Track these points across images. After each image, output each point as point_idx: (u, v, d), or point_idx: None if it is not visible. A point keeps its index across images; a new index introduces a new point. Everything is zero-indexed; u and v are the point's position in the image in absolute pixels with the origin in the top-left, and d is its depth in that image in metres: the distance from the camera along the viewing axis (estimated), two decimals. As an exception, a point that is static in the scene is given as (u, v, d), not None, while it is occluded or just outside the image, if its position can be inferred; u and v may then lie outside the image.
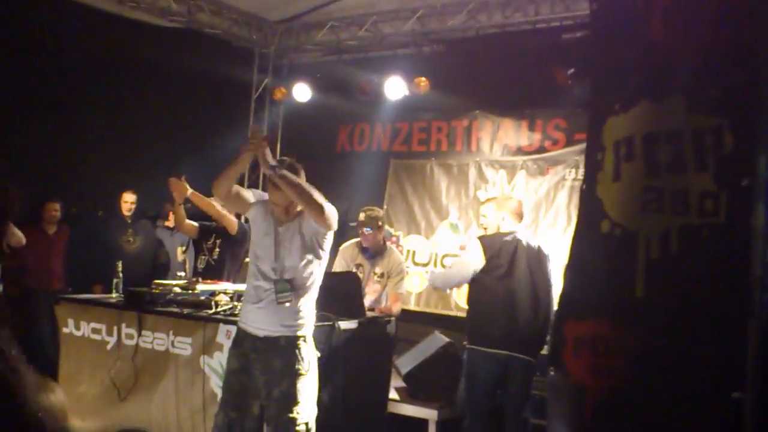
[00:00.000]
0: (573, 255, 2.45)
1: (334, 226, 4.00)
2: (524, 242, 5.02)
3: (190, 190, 5.64)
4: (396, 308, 5.66)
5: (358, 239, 5.95)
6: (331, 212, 3.94)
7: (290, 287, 3.94)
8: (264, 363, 3.97)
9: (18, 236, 6.77)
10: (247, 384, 4.03)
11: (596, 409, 2.28)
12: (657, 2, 2.30)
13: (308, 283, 4.02)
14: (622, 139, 2.34)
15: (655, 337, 2.21)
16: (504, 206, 5.18)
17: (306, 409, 3.95)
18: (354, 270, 5.81)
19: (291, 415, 3.90)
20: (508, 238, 5.01)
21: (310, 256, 4.01)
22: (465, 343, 5.18)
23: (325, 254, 4.10)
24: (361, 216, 5.86)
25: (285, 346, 3.95)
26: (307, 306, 4.04)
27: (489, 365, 4.91)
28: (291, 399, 3.91)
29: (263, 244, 4.07)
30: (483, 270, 4.96)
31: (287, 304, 3.93)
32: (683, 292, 2.19)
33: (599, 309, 2.30)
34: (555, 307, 4.93)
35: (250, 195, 4.23)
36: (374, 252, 5.85)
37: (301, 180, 3.95)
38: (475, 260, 5.00)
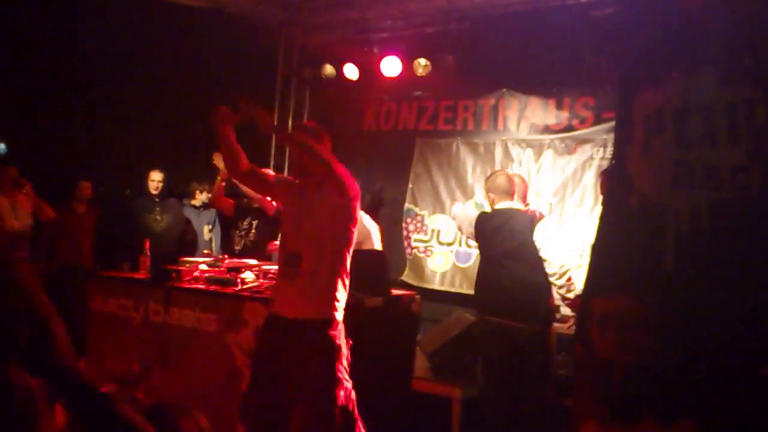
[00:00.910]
0: (601, 230, 2.42)
1: (357, 196, 3.83)
2: (521, 213, 5.03)
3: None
4: None
5: None
6: (350, 183, 3.77)
7: (298, 261, 3.77)
8: (294, 346, 3.80)
9: (48, 212, 6.85)
10: (278, 367, 3.85)
11: (624, 385, 2.25)
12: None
13: (328, 260, 3.82)
14: (653, 112, 2.30)
15: (685, 312, 2.18)
16: (493, 185, 5.20)
17: (340, 394, 3.76)
18: None
19: (324, 401, 3.73)
20: (503, 213, 5.07)
21: (330, 231, 3.83)
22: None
23: (354, 226, 3.90)
24: None
25: (312, 328, 3.79)
26: (336, 285, 3.84)
27: (498, 338, 4.91)
28: (323, 383, 3.75)
29: (288, 218, 3.98)
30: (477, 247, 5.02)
31: (296, 279, 3.77)
32: (713, 267, 2.16)
33: (627, 284, 2.27)
34: (546, 269, 4.92)
35: (269, 174, 4.12)
36: None
37: (315, 144, 3.76)
38: (471, 219, 5.15)
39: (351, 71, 8.19)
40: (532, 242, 4.96)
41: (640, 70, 2.44)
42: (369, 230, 5.80)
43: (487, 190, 5.21)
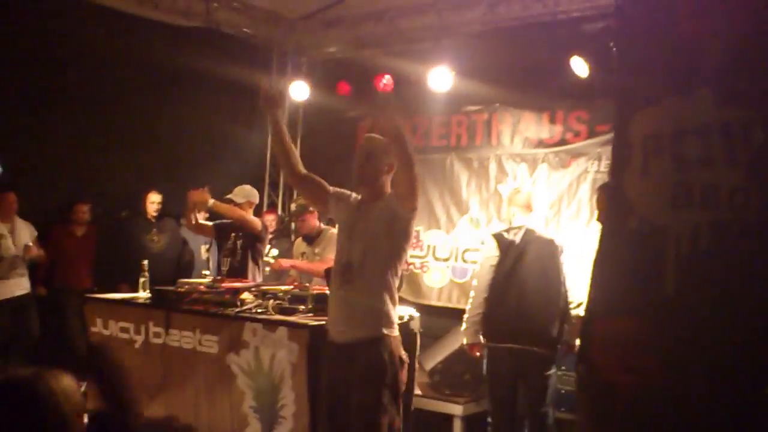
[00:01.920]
0: (601, 251, 2.44)
1: (414, 214, 3.72)
2: (536, 234, 5.03)
3: (211, 201, 5.68)
4: (310, 265, 5.80)
5: None
6: (415, 193, 3.67)
7: (348, 273, 3.69)
8: (342, 370, 3.72)
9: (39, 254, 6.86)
10: (335, 395, 3.79)
11: (626, 407, 2.27)
12: (684, -5, 2.29)
13: (380, 275, 3.69)
14: (650, 134, 2.33)
15: (686, 334, 2.19)
16: (513, 200, 5.21)
17: (385, 420, 3.65)
18: (301, 259, 5.97)
19: (369, 427, 3.63)
20: (517, 232, 5.01)
21: (385, 243, 3.71)
22: (482, 339, 5.19)
23: (407, 243, 3.82)
24: (293, 206, 6.11)
25: (358, 349, 3.68)
26: (384, 302, 3.71)
27: (504, 360, 4.92)
28: (369, 408, 3.63)
29: (341, 229, 3.87)
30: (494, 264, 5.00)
31: (345, 293, 3.68)
32: (714, 288, 2.18)
33: (629, 306, 2.29)
34: (569, 299, 4.94)
35: (325, 184, 3.96)
36: (312, 236, 5.99)
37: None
38: (492, 256, 5.03)
39: (344, 88, 8.23)
40: (552, 268, 4.97)
41: (636, 91, 2.48)
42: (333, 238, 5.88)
43: (509, 204, 5.26)
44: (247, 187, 6.37)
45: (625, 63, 2.60)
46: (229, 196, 5.97)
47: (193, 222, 6.02)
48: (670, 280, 2.25)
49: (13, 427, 1.76)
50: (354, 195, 3.95)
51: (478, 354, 5.11)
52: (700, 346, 2.16)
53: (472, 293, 5.17)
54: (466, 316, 5.18)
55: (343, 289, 3.71)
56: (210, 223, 6.17)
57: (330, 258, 5.64)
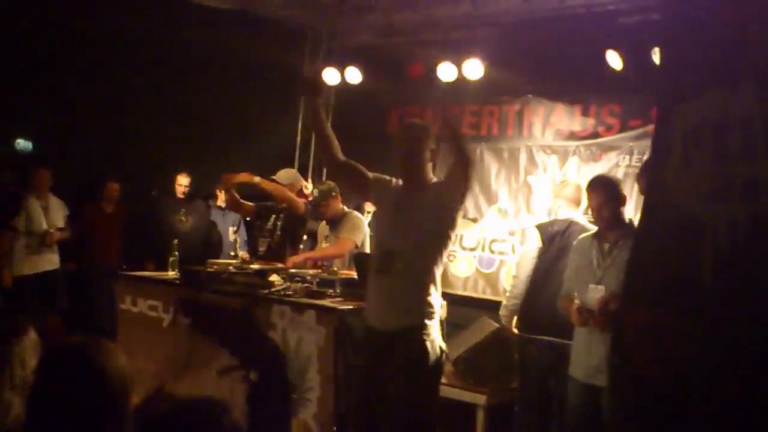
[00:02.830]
0: (638, 242, 2.44)
1: (461, 204, 3.68)
2: (580, 227, 4.96)
3: (257, 178, 5.70)
4: (322, 252, 5.74)
5: None
6: (468, 185, 3.63)
7: (390, 259, 3.62)
8: (380, 358, 3.70)
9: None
10: (370, 382, 3.77)
11: (659, 397, 2.27)
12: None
13: (424, 262, 3.66)
14: (692, 126, 2.31)
15: (721, 325, 2.18)
16: (560, 193, 5.15)
17: (426, 407, 3.67)
18: (324, 244, 5.95)
19: (406, 418, 3.61)
20: (562, 224, 4.96)
21: (430, 231, 3.67)
22: (515, 329, 5.18)
23: (452, 231, 3.76)
24: (315, 192, 6.07)
25: (399, 337, 3.64)
26: (427, 291, 3.67)
27: (541, 353, 4.87)
28: (412, 396, 3.62)
29: (383, 216, 3.83)
30: (536, 257, 4.94)
31: (386, 280, 3.63)
32: (750, 281, 2.17)
33: (664, 296, 2.28)
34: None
35: (365, 170, 3.91)
36: (336, 220, 5.93)
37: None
38: (533, 249, 4.98)
39: (376, 75, 8.22)
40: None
41: (679, 83, 2.46)
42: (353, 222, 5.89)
43: (555, 196, 5.22)
44: (292, 170, 6.44)
45: (668, 55, 2.57)
46: (273, 177, 5.98)
47: (235, 200, 6.06)
48: (706, 271, 2.23)
49: (64, 392, 1.79)
50: (395, 180, 3.89)
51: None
52: (735, 339, 2.15)
53: (511, 283, 5.14)
54: (504, 303, 5.15)
55: (386, 277, 3.65)
56: (252, 204, 6.19)
57: (344, 239, 5.66)
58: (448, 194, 3.64)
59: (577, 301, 4.17)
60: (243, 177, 5.73)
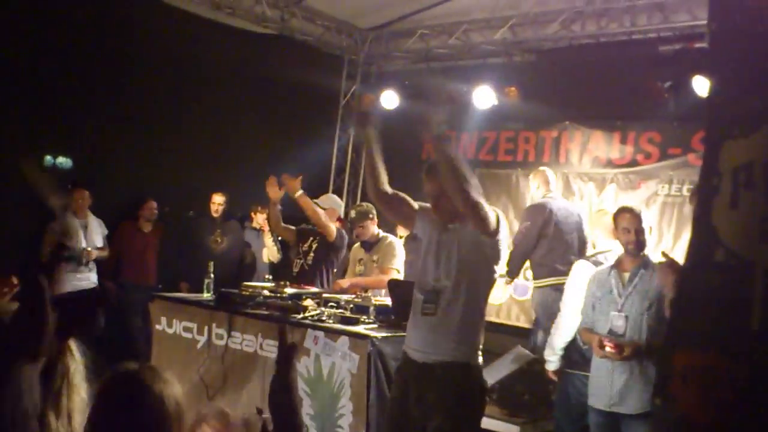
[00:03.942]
0: (683, 283, 2.38)
1: (500, 232, 3.52)
2: None
3: (300, 191, 5.73)
4: (369, 280, 5.61)
5: None
6: (491, 214, 3.47)
7: (436, 299, 3.52)
8: (419, 392, 3.56)
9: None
10: (405, 414, 3.64)
11: (704, 443, 2.21)
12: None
13: (468, 299, 3.55)
14: (741, 165, 2.26)
15: (770, 371, 2.12)
16: (598, 222, 5.03)
17: None
18: (358, 267, 5.88)
19: None
20: (606, 255, 4.79)
21: (475, 269, 3.56)
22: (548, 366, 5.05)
23: (494, 268, 3.63)
24: (352, 213, 6.00)
25: (442, 373, 3.52)
26: (470, 327, 3.57)
27: (580, 388, 4.75)
28: None
29: (425, 252, 3.72)
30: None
31: (431, 318, 3.53)
32: (802, 327, 2.10)
33: (711, 339, 2.23)
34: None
35: (411, 201, 3.83)
36: (371, 243, 5.87)
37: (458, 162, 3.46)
38: (581, 284, 4.83)
39: (412, 100, 8.23)
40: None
41: (728, 119, 2.41)
42: (390, 248, 5.84)
43: (593, 226, 5.13)
44: (334, 196, 6.47)
45: (717, 90, 2.52)
46: (315, 201, 6.00)
47: (278, 221, 6.08)
48: (756, 315, 2.17)
49: (123, 418, 1.81)
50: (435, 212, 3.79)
51: (556, 379, 4.98)
52: (786, 387, 2.09)
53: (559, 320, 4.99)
54: (551, 341, 5.01)
55: (431, 314, 3.56)
56: (293, 227, 6.23)
57: (388, 268, 5.64)
58: (469, 226, 3.54)
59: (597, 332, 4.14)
60: (295, 183, 5.74)
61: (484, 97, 7.70)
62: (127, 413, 1.85)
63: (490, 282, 3.67)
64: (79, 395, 2.25)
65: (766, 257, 2.17)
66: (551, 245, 6.34)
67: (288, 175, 5.82)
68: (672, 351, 2.33)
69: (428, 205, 3.77)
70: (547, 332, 5.28)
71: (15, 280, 2.42)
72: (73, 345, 2.31)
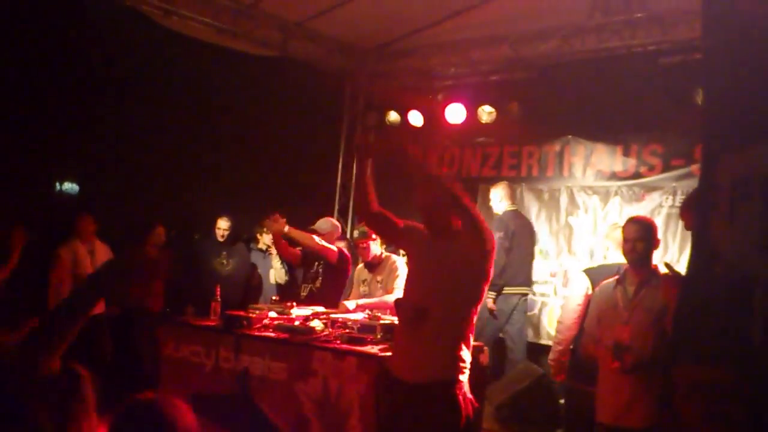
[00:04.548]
0: (685, 297, 2.39)
1: (494, 250, 3.57)
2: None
3: (286, 227, 5.79)
4: (374, 303, 5.58)
5: None
6: (489, 237, 3.54)
7: (424, 316, 3.54)
8: (412, 412, 3.57)
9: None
10: (392, 427, 3.67)
11: (710, 457, 2.20)
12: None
13: (454, 317, 3.58)
14: (739, 179, 2.28)
15: (773, 384, 2.12)
16: (610, 235, 5.06)
17: None
18: (362, 288, 5.91)
19: None
20: (611, 269, 4.83)
21: (462, 286, 3.58)
22: (553, 372, 5.07)
23: (482, 287, 3.65)
24: (355, 233, 6.09)
25: (434, 392, 3.54)
26: (461, 344, 3.59)
27: (586, 402, 4.73)
28: None
29: (414, 269, 3.76)
30: (582, 303, 4.84)
31: (418, 335, 3.55)
32: (804, 339, 2.11)
33: (714, 354, 2.23)
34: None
35: (397, 220, 3.87)
36: (375, 263, 5.90)
37: (459, 191, 3.55)
38: (580, 295, 4.89)
39: (415, 118, 8.28)
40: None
41: (724, 134, 2.43)
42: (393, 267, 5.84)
43: (606, 237, 5.17)
44: (331, 219, 6.53)
45: (713, 104, 2.55)
46: (312, 227, 6.08)
47: (281, 248, 6.20)
48: (757, 329, 2.18)
49: None
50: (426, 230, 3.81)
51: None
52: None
53: (556, 328, 5.05)
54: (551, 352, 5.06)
55: (416, 331, 3.59)
56: (299, 252, 6.29)
57: (393, 288, 5.66)
58: (473, 248, 3.56)
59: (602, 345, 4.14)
60: (277, 224, 5.82)
61: (486, 114, 7.74)
62: None
63: (477, 299, 3.66)
64: (90, 422, 2.27)
65: (765, 269, 2.18)
66: (511, 256, 6.78)
67: (269, 218, 5.91)
68: (675, 365, 2.34)
69: (413, 223, 3.82)
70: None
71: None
72: (83, 371, 2.32)
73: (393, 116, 8.49)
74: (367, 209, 3.87)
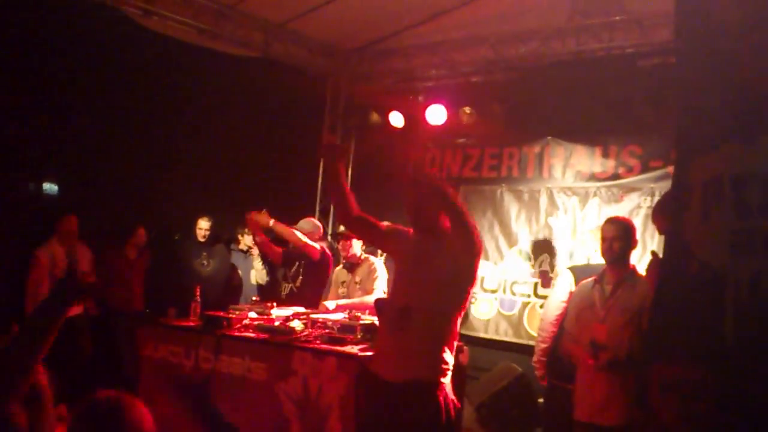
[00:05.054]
0: (659, 296, 2.42)
1: (481, 252, 3.59)
2: None
3: (272, 221, 5.80)
4: (354, 304, 5.57)
5: None
6: (478, 240, 3.52)
7: (408, 317, 3.53)
8: (393, 412, 3.57)
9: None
10: (375, 427, 3.68)
11: (683, 454, 2.24)
12: (748, 40, 2.27)
13: (439, 317, 3.58)
14: (710, 179, 2.32)
15: (744, 381, 2.16)
16: (596, 236, 5.10)
17: None
18: (341, 290, 5.94)
19: None
20: (597, 268, 4.86)
21: (446, 288, 3.59)
22: (539, 374, 5.11)
23: (470, 287, 3.67)
24: (340, 228, 6.14)
25: (411, 392, 3.54)
26: (444, 346, 3.59)
27: (565, 400, 4.76)
28: None
29: (399, 270, 3.74)
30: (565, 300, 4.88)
31: (401, 336, 3.55)
32: (775, 337, 2.14)
33: (687, 351, 2.27)
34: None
35: (379, 223, 3.87)
36: (354, 264, 5.94)
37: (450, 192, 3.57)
38: (564, 293, 4.93)
39: (396, 119, 8.29)
40: None
41: (696, 135, 2.46)
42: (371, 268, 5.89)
43: (594, 239, 5.21)
44: (313, 219, 6.54)
45: (685, 106, 2.58)
46: (294, 227, 6.09)
47: (264, 239, 6.17)
48: (728, 326, 2.22)
49: None
50: (410, 231, 3.83)
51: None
52: (758, 395, 2.12)
53: (539, 326, 5.09)
54: (536, 348, 5.09)
55: (400, 331, 3.58)
56: (280, 250, 6.29)
57: (372, 289, 5.68)
58: (461, 249, 3.56)
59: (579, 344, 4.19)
60: (257, 217, 5.83)
61: (466, 115, 7.78)
62: None
63: (462, 301, 3.67)
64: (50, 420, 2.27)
65: (738, 269, 2.21)
66: None
67: (253, 213, 5.91)
68: (649, 363, 2.37)
69: (395, 225, 3.84)
70: None
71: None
72: (42, 368, 2.32)
73: (374, 117, 8.50)
74: (348, 214, 3.84)
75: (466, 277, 3.63)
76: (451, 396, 3.66)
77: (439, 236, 3.62)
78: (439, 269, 3.58)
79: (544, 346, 5.01)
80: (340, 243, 5.99)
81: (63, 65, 7.67)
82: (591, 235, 5.28)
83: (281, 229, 5.91)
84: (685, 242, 2.33)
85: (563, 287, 4.97)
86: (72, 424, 1.95)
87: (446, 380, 3.61)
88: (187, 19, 7.21)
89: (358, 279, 5.87)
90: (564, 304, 4.90)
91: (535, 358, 5.11)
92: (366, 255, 6.03)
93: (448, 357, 3.62)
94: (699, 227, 2.31)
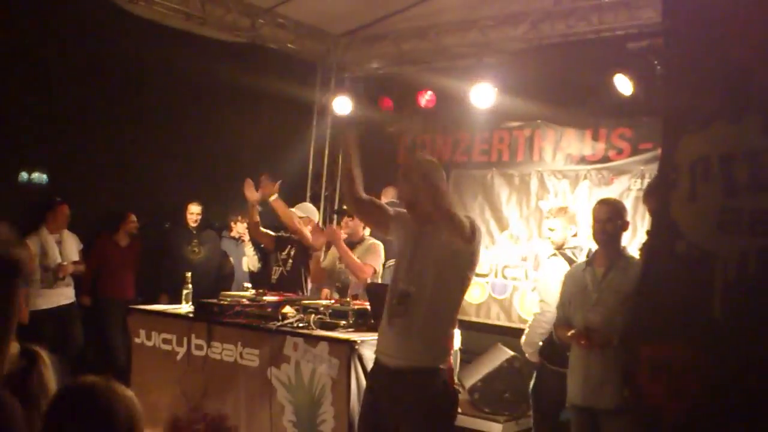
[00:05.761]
0: (646, 276, 2.43)
1: (475, 238, 3.54)
2: None
3: (275, 195, 5.79)
4: (357, 263, 5.67)
5: None
6: (465, 222, 3.50)
7: (406, 302, 3.54)
8: (391, 396, 3.60)
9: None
10: (378, 421, 3.67)
11: (672, 430, 2.25)
12: (735, 20, 2.27)
13: (438, 304, 3.58)
14: (698, 158, 2.32)
15: (733, 360, 2.17)
16: (574, 220, 5.11)
17: None
18: (338, 265, 5.94)
19: None
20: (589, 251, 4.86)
21: (447, 274, 3.58)
22: (530, 357, 5.12)
23: (471, 272, 3.67)
24: (345, 206, 6.16)
25: (412, 378, 3.54)
26: (444, 332, 3.62)
27: (562, 384, 4.76)
28: None
29: (399, 256, 3.75)
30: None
31: (401, 322, 3.55)
32: (761, 315, 2.16)
33: (675, 331, 2.28)
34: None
35: (387, 207, 3.88)
36: (355, 243, 5.92)
37: (438, 181, 3.58)
38: (562, 274, 4.90)
39: (386, 104, 8.26)
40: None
41: (684, 115, 2.46)
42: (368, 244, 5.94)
43: (569, 221, 5.19)
44: (310, 205, 6.52)
45: (673, 86, 2.58)
46: (291, 209, 6.07)
47: (256, 224, 6.13)
48: (717, 305, 2.23)
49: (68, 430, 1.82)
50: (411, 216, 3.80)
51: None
52: (747, 373, 2.13)
53: (540, 309, 5.05)
54: (530, 336, 5.08)
55: (401, 317, 3.57)
56: (273, 234, 6.27)
57: (367, 264, 5.68)
58: (454, 236, 3.54)
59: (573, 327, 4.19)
60: (272, 186, 5.82)
61: (457, 99, 7.75)
62: (75, 427, 1.85)
63: (463, 288, 3.69)
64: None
65: (725, 248, 2.22)
66: None
67: (267, 176, 5.88)
68: (638, 343, 2.38)
69: (403, 210, 3.79)
70: None
71: None
72: (43, 353, 2.30)
73: (364, 102, 8.46)
74: (356, 197, 3.80)
75: (465, 263, 3.62)
76: (453, 382, 3.69)
77: (436, 224, 3.61)
78: (437, 256, 3.58)
79: (548, 327, 4.93)
80: (342, 222, 6.00)
81: (50, 52, 7.61)
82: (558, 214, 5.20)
83: (280, 207, 5.88)
84: (672, 222, 2.33)
85: (561, 270, 4.95)
86: (47, 413, 1.92)
87: (447, 365, 3.62)
88: (174, 4, 7.16)
89: (356, 257, 5.87)
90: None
91: (528, 341, 5.08)
92: (369, 237, 6.03)
93: (448, 343, 3.64)
94: (686, 206, 2.31)
